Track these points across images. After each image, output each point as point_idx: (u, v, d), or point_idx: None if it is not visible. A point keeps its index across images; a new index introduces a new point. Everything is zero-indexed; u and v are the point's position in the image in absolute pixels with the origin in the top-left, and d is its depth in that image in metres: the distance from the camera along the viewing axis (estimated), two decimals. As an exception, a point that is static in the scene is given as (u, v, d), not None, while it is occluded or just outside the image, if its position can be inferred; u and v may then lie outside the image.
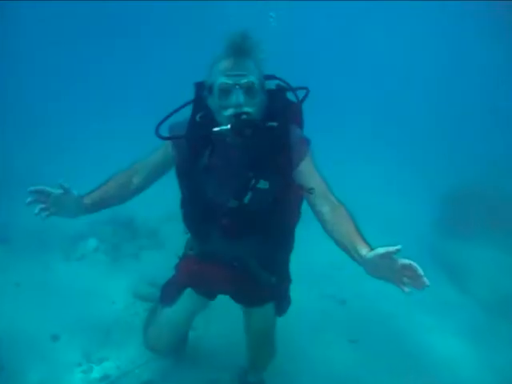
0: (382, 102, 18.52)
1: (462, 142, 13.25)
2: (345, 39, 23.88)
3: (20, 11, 18.63)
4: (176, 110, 2.92)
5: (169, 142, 2.95)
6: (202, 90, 2.84)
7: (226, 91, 2.63)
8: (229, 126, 2.58)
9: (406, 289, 2.14)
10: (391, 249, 2.11)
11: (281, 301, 3.53)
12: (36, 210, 2.63)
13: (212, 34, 5.65)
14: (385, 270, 2.18)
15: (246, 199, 2.81)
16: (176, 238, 3.83)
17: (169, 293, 3.54)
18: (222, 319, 4.93)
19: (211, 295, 3.55)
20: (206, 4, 16.30)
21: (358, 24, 23.14)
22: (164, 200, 5.40)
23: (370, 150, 12.96)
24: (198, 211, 3.02)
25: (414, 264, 2.08)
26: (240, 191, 2.82)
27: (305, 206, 2.97)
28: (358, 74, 22.36)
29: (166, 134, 2.88)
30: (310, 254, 5.87)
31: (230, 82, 2.62)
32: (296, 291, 3.63)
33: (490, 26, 15.48)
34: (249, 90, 2.63)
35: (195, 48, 14.62)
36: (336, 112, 16.86)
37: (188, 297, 3.44)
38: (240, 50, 2.67)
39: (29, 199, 2.62)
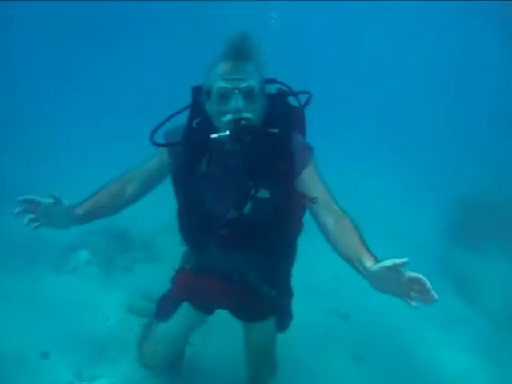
0: (387, 105, 18.50)
1: (471, 148, 13.21)
2: (347, 40, 23.89)
3: (11, 11, 18.69)
4: (172, 116, 2.91)
5: (164, 149, 2.93)
6: (199, 94, 2.83)
7: (224, 96, 2.62)
8: (227, 133, 2.57)
9: (414, 303, 2.13)
10: (398, 261, 2.09)
11: (282, 316, 3.52)
12: (25, 221, 2.62)
13: (211, 35, 5.66)
14: (391, 283, 2.17)
15: (246, 209, 2.79)
16: (172, 250, 3.83)
17: (164, 307, 3.52)
18: (221, 335, 4.92)
19: (209, 310, 3.53)
20: (205, 4, 16.34)
21: (362, 24, 23.18)
22: (159, 210, 5.40)
23: (375, 156, 12.94)
24: (196, 222, 3.01)
25: (422, 277, 2.07)
26: (239, 201, 2.81)
27: (307, 217, 2.97)
28: (362, 76, 22.36)
29: (161, 140, 2.88)
30: (312, 266, 5.85)
31: (228, 86, 2.60)
32: (298, 305, 3.63)
33: (503, 26, 15.49)
34: (248, 94, 2.62)
35: (193, 49, 14.65)
36: (339, 116, 16.84)
37: (185, 311, 3.42)
38: (239, 52, 2.66)
39: (17, 209, 2.60)
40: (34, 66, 18.40)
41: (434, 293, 2.05)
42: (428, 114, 16.53)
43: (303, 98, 2.96)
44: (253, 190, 2.77)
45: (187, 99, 2.93)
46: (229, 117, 2.59)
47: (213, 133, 2.63)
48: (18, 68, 17.37)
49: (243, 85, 2.61)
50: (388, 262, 2.14)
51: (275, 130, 2.76)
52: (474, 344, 5.56)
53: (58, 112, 14.11)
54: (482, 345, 5.55)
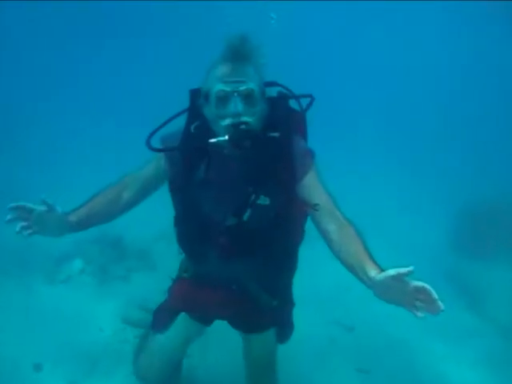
0: (391, 109, 18.49)
1: (479, 153, 13.20)
2: (348, 41, 23.89)
3: (6, 11, 18.77)
4: (169, 120, 2.91)
5: (161, 155, 2.92)
6: (197, 97, 2.82)
7: (223, 99, 2.61)
8: (226, 137, 2.56)
9: (419, 313, 2.13)
10: (403, 270, 2.09)
11: (283, 326, 3.51)
12: (17, 228, 2.62)
13: (210, 36, 5.67)
14: (396, 293, 2.17)
15: (245, 216, 2.79)
16: (169, 258, 3.82)
17: (161, 318, 3.51)
18: (220, 346, 4.91)
19: (207, 321, 3.53)
20: (205, 4, 16.37)
21: (363, 25, 23.17)
22: (156, 217, 5.41)
23: (379, 162, 12.93)
24: (193, 229, 3.00)
25: (428, 287, 2.07)
26: (239, 208, 2.80)
27: (309, 223, 2.97)
28: (364, 78, 22.34)
29: (158, 145, 2.87)
30: (314, 275, 5.86)
31: (227, 89, 2.60)
32: (300, 316, 3.62)
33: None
34: (248, 97, 2.61)
35: (192, 51, 14.68)
36: (341, 120, 16.84)
37: (182, 322, 3.41)
38: (239, 54, 2.65)
39: (9, 216, 2.60)
40: (32, 66, 18.47)
41: (440, 303, 2.05)
42: (435, 118, 16.52)
43: (304, 102, 2.95)
44: (252, 197, 2.77)
45: (185, 103, 2.93)
46: (228, 121, 2.59)
47: (211, 137, 2.63)
48: (17, 68, 17.43)
49: (243, 88, 2.60)
50: (392, 272, 2.14)
51: (276, 135, 2.76)
52: (482, 357, 5.55)
53: (57, 113, 14.16)
54: (490, 358, 5.54)
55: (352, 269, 2.46)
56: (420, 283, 2.09)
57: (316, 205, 2.70)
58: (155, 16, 21.67)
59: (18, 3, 17.90)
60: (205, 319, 3.50)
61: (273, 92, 2.93)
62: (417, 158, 13.23)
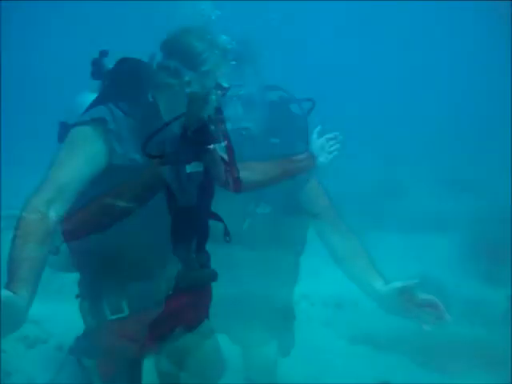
0: (396, 112, 18.44)
1: (493, 157, 13.14)
2: (352, 42, 23.90)
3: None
4: (166, 124, 2.90)
5: (157, 161, 2.91)
6: (195, 101, 2.82)
7: (222, 103, 2.61)
8: (225, 143, 2.56)
9: (426, 325, 2.13)
10: (409, 283, 2.10)
11: (283, 340, 3.50)
12: (11, 236, 2.62)
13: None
14: (402, 305, 2.17)
15: (245, 225, 2.78)
16: (165, 268, 3.81)
17: (157, 331, 3.50)
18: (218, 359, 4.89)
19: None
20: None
21: (368, 25, 23.18)
22: (153, 225, 5.38)
23: (383, 164, 12.89)
24: (190, 238, 2.99)
25: (435, 299, 2.07)
26: (238, 216, 2.80)
27: (309, 232, 2.96)
28: (367, 79, 22.32)
29: (154, 150, 2.85)
30: (316, 284, 5.84)
31: (227, 93, 2.60)
32: (301, 328, 3.61)
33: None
34: (248, 102, 2.61)
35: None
36: (341, 120, 16.79)
37: (179, 335, 3.41)
38: (238, 56, 2.65)
39: (2, 225, 2.60)
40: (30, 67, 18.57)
41: (446, 315, 2.05)
42: (443, 121, 16.45)
43: (306, 105, 2.95)
44: (252, 205, 2.76)
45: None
46: (227, 126, 2.58)
47: (210, 143, 2.62)
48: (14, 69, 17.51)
49: (242, 91, 2.59)
50: (398, 284, 2.14)
51: (276, 140, 2.75)
52: (491, 372, 5.52)
53: (55, 114, 14.19)
54: (500, 374, 5.52)
55: (356, 280, 2.47)
56: (427, 295, 2.09)
57: (318, 214, 2.70)
58: (154, 16, 21.70)
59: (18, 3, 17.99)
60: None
61: (274, 96, 2.93)
62: (426, 163, 13.18)
